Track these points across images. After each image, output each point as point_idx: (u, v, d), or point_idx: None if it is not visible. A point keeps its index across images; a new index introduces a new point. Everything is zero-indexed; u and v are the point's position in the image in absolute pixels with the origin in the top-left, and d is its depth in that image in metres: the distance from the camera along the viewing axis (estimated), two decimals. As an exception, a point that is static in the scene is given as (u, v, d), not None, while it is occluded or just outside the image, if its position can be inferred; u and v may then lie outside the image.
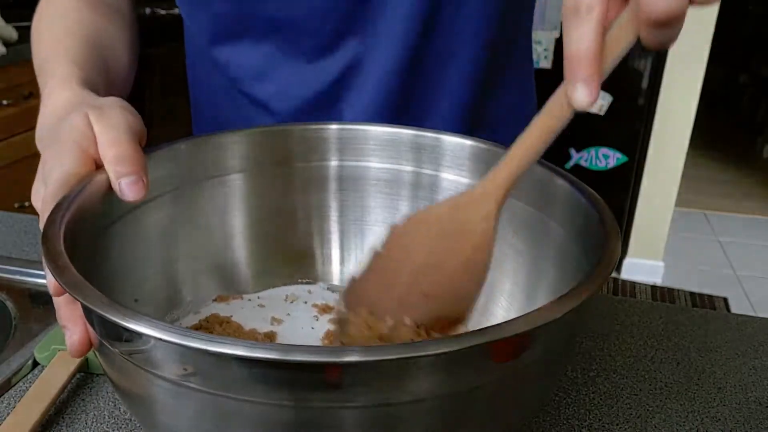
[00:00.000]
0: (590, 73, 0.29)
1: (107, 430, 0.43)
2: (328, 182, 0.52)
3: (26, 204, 1.65)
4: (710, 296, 2.21)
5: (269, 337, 0.45)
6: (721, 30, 2.08)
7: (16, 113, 1.65)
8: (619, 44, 0.29)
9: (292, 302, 0.50)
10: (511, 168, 0.34)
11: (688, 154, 2.21)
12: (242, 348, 0.24)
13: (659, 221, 2.30)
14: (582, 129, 2.08)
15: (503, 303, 0.46)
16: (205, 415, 0.29)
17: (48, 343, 0.49)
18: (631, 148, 2.16)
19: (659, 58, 2.03)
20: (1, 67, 1.62)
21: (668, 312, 0.58)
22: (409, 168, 0.50)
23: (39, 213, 0.38)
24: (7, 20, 1.70)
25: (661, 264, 2.35)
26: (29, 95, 1.67)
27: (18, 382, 0.47)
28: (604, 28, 0.29)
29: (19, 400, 0.43)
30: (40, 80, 0.51)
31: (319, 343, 0.45)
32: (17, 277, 0.60)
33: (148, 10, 2.31)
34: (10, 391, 0.46)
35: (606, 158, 2.18)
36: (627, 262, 2.36)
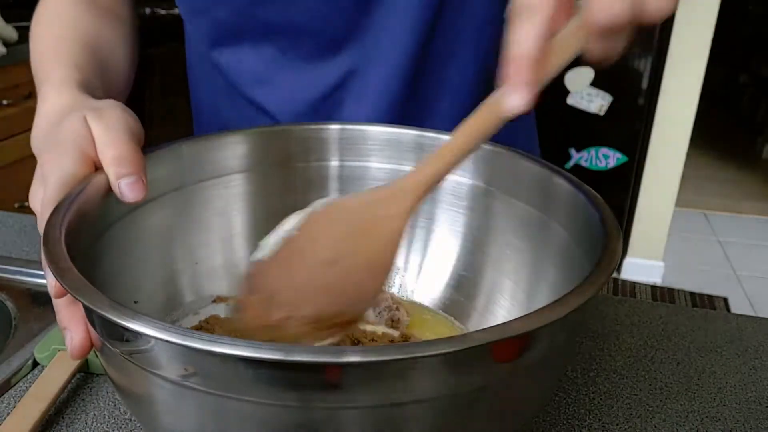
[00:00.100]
0: (527, 78, 0.28)
1: (107, 430, 0.43)
2: (328, 182, 0.51)
3: (26, 204, 1.65)
4: (710, 296, 2.21)
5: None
6: (721, 30, 2.08)
7: (16, 113, 1.65)
8: (563, 52, 0.29)
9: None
10: (434, 168, 0.33)
11: (688, 154, 2.21)
12: (243, 348, 0.24)
13: (659, 221, 2.30)
14: (582, 129, 2.08)
15: (504, 303, 0.46)
16: (205, 416, 0.29)
17: (48, 343, 0.49)
18: (631, 148, 2.16)
19: (659, 58, 2.03)
20: (1, 67, 1.62)
21: (668, 312, 0.58)
22: (409, 168, 0.50)
23: (37, 215, 0.38)
24: (7, 20, 1.70)
25: (661, 264, 2.35)
26: (29, 95, 1.67)
27: (18, 382, 0.47)
28: (550, 34, 0.28)
29: (19, 400, 0.43)
30: (38, 83, 0.51)
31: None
32: (17, 277, 0.60)
33: (148, 10, 2.31)
34: (10, 391, 0.46)
35: (606, 158, 2.18)
36: (627, 262, 2.36)
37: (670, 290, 2.23)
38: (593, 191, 0.39)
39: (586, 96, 1.99)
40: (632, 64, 2.05)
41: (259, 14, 0.56)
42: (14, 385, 0.47)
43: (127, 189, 0.37)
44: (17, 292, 0.58)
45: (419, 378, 0.26)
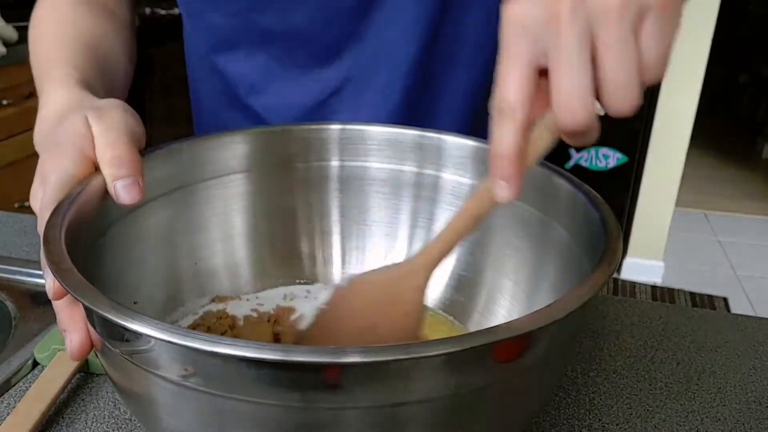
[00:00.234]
0: (511, 173, 0.31)
1: (107, 430, 0.43)
2: (328, 182, 0.51)
3: (26, 204, 1.65)
4: (710, 296, 2.21)
5: (288, 312, 0.48)
6: (721, 30, 2.08)
7: (16, 113, 1.65)
8: (540, 145, 0.31)
9: (291, 300, 0.50)
10: (440, 248, 0.37)
11: (688, 154, 2.21)
12: (243, 348, 0.24)
13: (659, 221, 2.30)
14: (582, 129, 2.07)
15: (505, 303, 0.46)
16: (205, 416, 0.29)
17: (48, 343, 0.49)
18: (631, 148, 2.16)
19: (659, 58, 2.03)
20: (1, 67, 1.62)
21: (668, 312, 0.58)
22: (410, 168, 0.50)
23: (37, 215, 0.38)
24: (7, 20, 1.70)
25: (661, 264, 2.35)
26: (29, 95, 1.67)
27: (18, 382, 0.47)
28: (527, 130, 0.30)
29: (19, 400, 0.43)
30: (38, 83, 0.51)
31: None
32: (17, 277, 0.60)
33: (148, 10, 2.31)
34: (10, 391, 0.46)
35: (606, 158, 2.18)
36: (627, 262, 2.36)
37: (670, 290, 2.23)
38: (593, 191, 0.39)
39: (586, 96, 1.98)
40: (632, 64, 2.04)
41: (256, 20, 0.56)
42: (14, 385, 0.47)
43: (123, 191, 0.37)
44: (17, 292, 0.58)
45: (419, 378, 0.26)
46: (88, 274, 0.30)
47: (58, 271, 0.30)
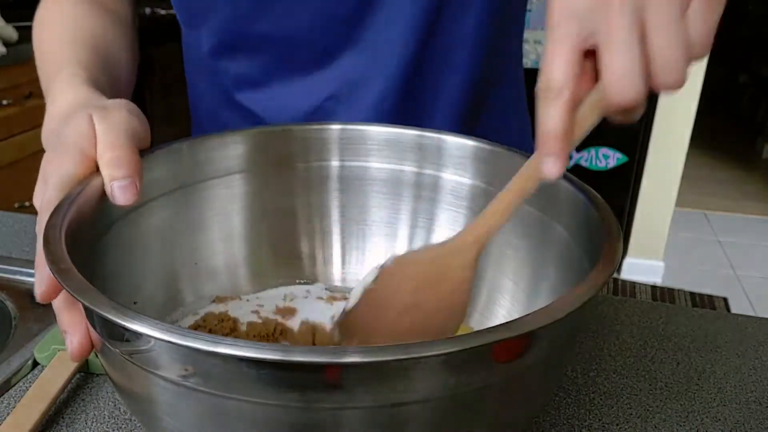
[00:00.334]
0: (559, 150, 0.32)
1: (107, 430, 0.43)
2: (329, 182, 0.51)
3: (26, 204, 1.65)
4: (710, 296, 2.21)
5: (289, 311, 0.47)
6: (721, 30, 2.08)
7: (16, 113, 1.65)
8: (586, 123, 0.32)
9: (291, 301, 0.50)
10: (489, 224, 0.37)
11: (688, 154, 2.21)
12: (243, 348, 0.24)
13: (659, 221, 2.30)
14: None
15: (505, 303, 0.46)
16: (205, 416, 0.29)
17: (48, 343, 0.49)
18: (631, 148, 2.16)
19: (659, 58, 2.03)
20: (1, 67, 1.62)
21: (668, 312, 0.58)
22: (410, 168, 0.50)
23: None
24: (7, 20, 1.70)
25: (661, 264, 2.35)
26: (29, 95, 1.67)
27: (18, 382, 0.47)
28: (574, 108, 0.31)
29: (19, 400, 0.43)
30: (44, 83, 0.51)
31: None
32: (17, 277, 0.60)
33: (148, 10, 2.31)
34: (10, 391, 0.46)
35: (606, 158, 2.18)
36: (627, 262, 2.36)
37: (670, 290, 2.22)
38: (593, 191, 0.39)
39: (586, 96, 1.98)
40: (632, 64, 2.04)
41: (255, 25, 0.56)
42: (14, 385, 0.47)
43: (119, 192, 0.37)
44: (17, 292, 0.58)
45: (420, 378, 0.26)
46: (88, 274, 0.30)
47: (58, 271, 0.30)
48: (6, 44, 1.63)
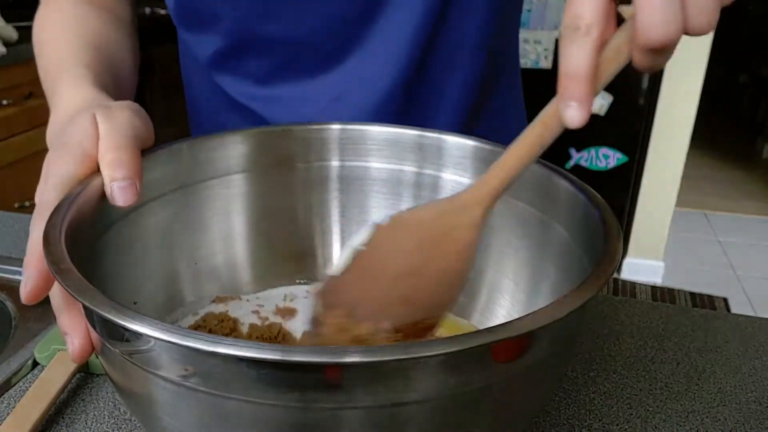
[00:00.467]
0: (585, 93, 0.30)
1: (107, 430, 0.43)
2: (329, 182, 0.51)
3: (26, 204, 1.66)
4: (710, 296, 2.21)
5: (289, 312, 0.47)
6: (721, 30, 2.08)
7: (16, 113, 1.65)
8: (612, 65, 0.30)
9: (291, 301, 0.50)
10: (501, 176, 0.34)
11: (688, 154, 2.21)
12: (243, 349, 0.24)
13: (659, 221, 2.30)
14: (582, 129, 2.06)
15: (505, 303, 0.46)
16: (205, 416, 0.29)
17: (48, 343, 0.49)
18: (631, 148, 2.16)
19: (659, 58, 2.03)
20: (1, 67, 1.62)
21: (668, 312, 0.58)
22: (410, 168, 0.50)
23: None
24: (7, 20, 1.70)
25: (661, 264, 2.35)
26: (29, 95, 1.67)
27: (18, 382, 0.47)
28: (601, 50, 0.30)
29: (19, 400, 0.43)
30: (48, 85, 0.51)
31: None
32: (17, 277, 0.60)
33: (148, 10, 2.31)
34: (10, 391, 0.46)
35: (606, 158, 2.18)
36: (627, 262, 2.36)
37: (670, 290, 2.23)
38: (593, 191, 0.39)
39: (586, 96, 1.98)
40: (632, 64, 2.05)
41: (262, 29, 0.56)
42: (14, 385, 0.47)
43: (119, 192, 0.37)
44: (17, 292, 0.57)
45: (419, 378, 0.26)
46: (87, 274, 0.30)
47: (58, 271, 0.30)
48: (6, 44, 1.63)
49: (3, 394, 0.46)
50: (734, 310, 2.15)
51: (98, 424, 0.43)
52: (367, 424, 0.27)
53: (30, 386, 0.44)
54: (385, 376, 0.26)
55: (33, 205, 0.40)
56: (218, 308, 0.48)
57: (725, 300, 2.20)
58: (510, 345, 0.28)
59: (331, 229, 0.52)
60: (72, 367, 0.46)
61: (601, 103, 2.03)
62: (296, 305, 0.49)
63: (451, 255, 0.35)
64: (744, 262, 2.51)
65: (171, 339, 0.25)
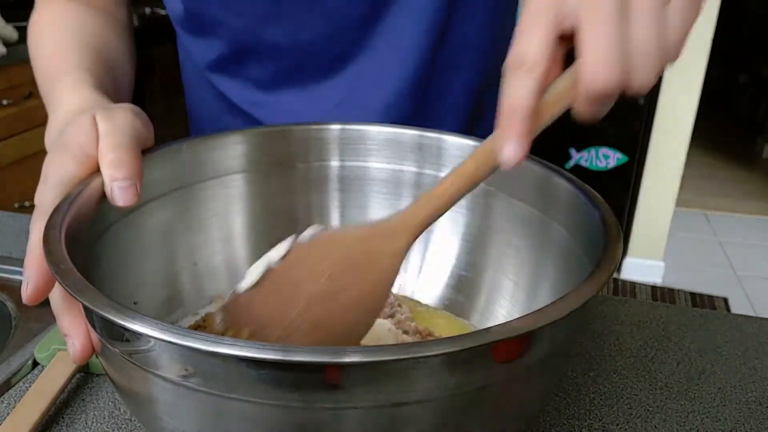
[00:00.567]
0: (523, 130, 0.30)
1: (107, 430, 0.43)
2: (329, 183, 0.51)
3: (26, 204, 1.65)
4: (710, 296, 2.21)
5: None
6: (721, 30, 2.08)
7: (16, 113, 1.65)
8: (554, 108, 0.30)
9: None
10: (429, 209, 0.34)
11: (688, 154, 2.21)
12: (243, 349, 0.24)
13: (659, 221, 2.30)
14: (582, 129, 2.08)
15: (505, 303, 0.46)
16: (205, 416, 0.29)
17: (48, 343, 0.49)
18: (631, 148, 2.16)
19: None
20: (1, 67, 1.62)
21: (668, 312, 0.58)
22: (410, 168, 0.50)
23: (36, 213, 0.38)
24: (7, 20, 1.70)
25: (661, 264, 2.35)
26: (29, 95, 1.67)
27: (18, 382, 0.47)
28: (543, 89, 0.30)
29: (19, 400, 0.43)
30: (46, 87, 0.50)
31: None
32: (17, 277, 0.60)
33: (148, 10, 2.31)
34: (10, 391, 0.46)
35: (606, 158, 2.18)
36: (627, 262, 2.36)
37: (670, 290, 2.23)
38: (593, 191, 0.39)
39: (586, 96, 1.98)
40: (632, 64, 2.04)
41: (267, 34, 0.56)
42: (14, 385, 0.47)
43: (119, 193, 0.37)
44: (17, 292, 0.57)
45: (419, 378, 0.26)
46: (87, 274, 0.30)
47: (58, 272, 0.30)
48: (6, 44, 1.63)
49: (3, 394, 0.46)
50: (734, 310, 2.15)
51: (98, 424, 0.43)
52: (367, 424, 0.27)
53: (30, 386, 0.44)
54: (385, 376, 0.26)
55: (33, 206, 0.40)
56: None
57: (725, 300, 2.21)
58: (510, 345, 0.28)
59: (331, 229, 0.52)
60: (72, 367, 0.46)
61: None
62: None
63: (369, 282, 0.34)
64: (744, 262, 2.51)
65: (171, 339, 0.25)
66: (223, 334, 0.34)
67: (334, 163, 0.51)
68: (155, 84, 2.22)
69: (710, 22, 2.01)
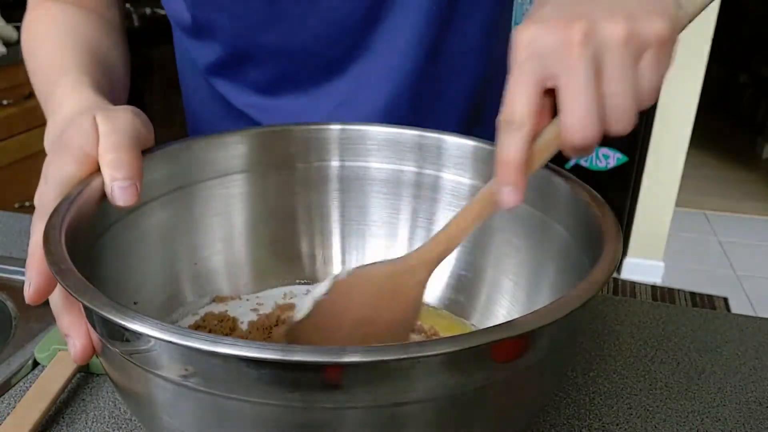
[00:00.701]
0: (516, 180, 0.33)
1: (107, 430, 0.43)
2: (328, 183, 0.51)
3: (26, 204, 1.66)
4: (710, 296, 2.21)
5: (288, 308, 0.48)
6: (721, 30, 2.08)
7: (16, 113, 1.65)
8: (544, 154, 0.34)
9: (291, 299, 0.50)
10: (445, 244, 0.39)
11: (688, 154, 2.21)
12: (243, 348, 0.24)
13: (659, 221, 2.30)
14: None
15: (505, 303, 0.46)
16: (205, 416, 0.29)
17: (48, 343, 0.49)
18: (631, 148, 2.16)
19: (659, 58, 2.03)
20: (1, 67, 1.62)
21: (668, 312, 0.58)
22: (410, 168, 0.50)
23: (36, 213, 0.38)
24: (7, 20, 1.70)
25: (661, 264, 2.35)
26: (29, 95, 1.67)
27: (18, 382, 0.47)
28: (532, 141, 0.33)
29: (19, 400, 0.43)
30: (44, 89, 0.50)
31: None
32: (17, 277, 0.60)
33: (148, 10, 2.31)
34: (10, 391, 0.46)
35: (606, 158, 2.18)
36: (627, 262, 2.36)
37: (670, 290, 2.23)
38: (593, 191, 0.39)
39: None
40: (632, 64, 2.04)
41: (265, 37, 0.56)
42: (14, 385, 0.47)
43: (119, 193, 0.37)
44: (17, 292, 0.57)
45: (419, 378, 0.26)
46: (88, 275, 0.30)
47: (58, 272, 0.30)
48: (6, 44, 1.63)
49: (3, 394, 0.46)
50: (734, 310, 2.15)
51: (98, 424, 0.43)
52: (367, 423, 0.27)
53: (30, 386, 0.44)
54: (385, 376, 0.26)
55: (33, 206, 0.40)
56: (218, 308, 0.48)
57: (725, 300, 2.21)
58: (510, 345, 0.28)
59: (331, 229, 0.52)
60: (72, 367, 0.46)
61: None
62: (296, 302, 0.49)
63: (399, 309, 0.40)
64: (744, 262, 2.51)
65: (171, 339, 0.25)
66: None
67: (334, 163, 0.51)
68: (155, 84, 2.22)
69: (710, 22, 2.01)
